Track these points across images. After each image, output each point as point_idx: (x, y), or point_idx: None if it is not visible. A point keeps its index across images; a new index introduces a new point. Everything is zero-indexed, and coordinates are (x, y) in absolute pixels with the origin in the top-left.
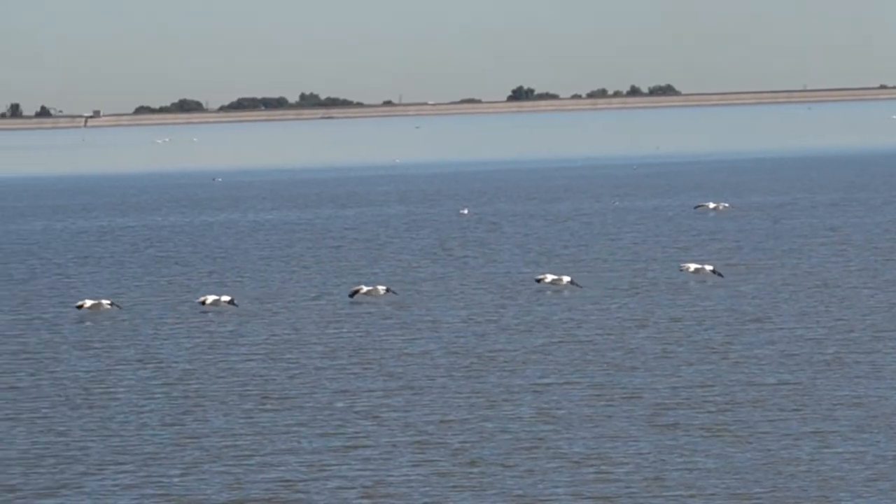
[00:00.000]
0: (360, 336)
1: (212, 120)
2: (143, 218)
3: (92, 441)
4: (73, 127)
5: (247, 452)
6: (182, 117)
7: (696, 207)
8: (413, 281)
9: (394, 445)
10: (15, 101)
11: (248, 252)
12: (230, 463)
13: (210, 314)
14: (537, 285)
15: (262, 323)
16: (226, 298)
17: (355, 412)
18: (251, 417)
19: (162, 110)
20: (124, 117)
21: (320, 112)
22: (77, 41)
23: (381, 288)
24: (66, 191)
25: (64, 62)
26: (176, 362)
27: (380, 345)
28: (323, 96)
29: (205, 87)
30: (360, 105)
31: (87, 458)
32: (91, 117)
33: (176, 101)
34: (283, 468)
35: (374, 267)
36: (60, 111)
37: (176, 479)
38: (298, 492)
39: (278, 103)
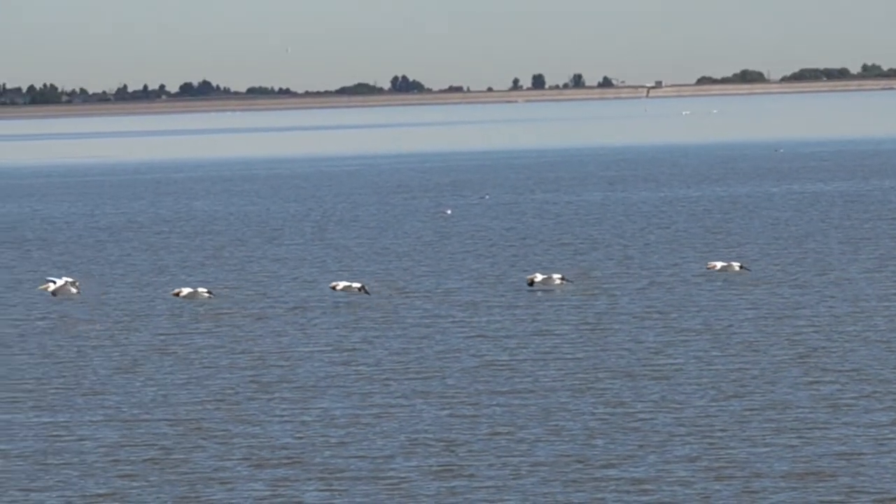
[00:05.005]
0: None
1: (774, 91)
2: (705, 188)
3: (651, 413)
4: (634, 97)
5: (809, 425)
6: (743, 88)
7: None
8: None
9: None
10: (578, 71)
11: (804, 223)
12: (792, 435)
13: (721, 281)
14: None
15: (815, 293)
16: (203, 290)
17: None
18: (814, 390)
19: (723, 81)
20: (686, 88)
21: (882, 83)
22: (637, 10)
23: (356, 285)
24: (626, 161)
25: (628, 32)
26: (738, 332)
27: None
28: (885, 67)
29: (767, 57)
30: None
31: (647, 430)
32: (653, 88)
33: (738, 71)
34: (845, 442)
35: None
36: (622, 82)
37: (739, 453)
38: (860, 465)
39: (840, 74)
